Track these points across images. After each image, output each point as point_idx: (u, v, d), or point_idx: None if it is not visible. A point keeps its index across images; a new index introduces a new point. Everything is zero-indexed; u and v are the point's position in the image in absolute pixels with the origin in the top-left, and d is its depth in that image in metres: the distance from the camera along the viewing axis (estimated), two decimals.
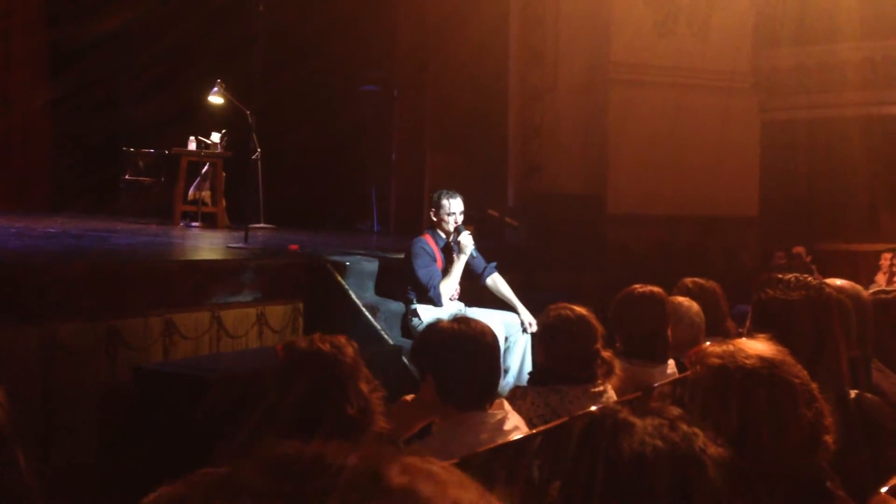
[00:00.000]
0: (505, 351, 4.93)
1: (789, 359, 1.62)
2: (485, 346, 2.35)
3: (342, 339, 1.99)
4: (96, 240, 6.50)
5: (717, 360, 1.62)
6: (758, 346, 1.64)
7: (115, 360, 4.09)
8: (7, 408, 1.50)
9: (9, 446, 1.49)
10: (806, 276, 2.23)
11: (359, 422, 1.88)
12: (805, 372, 1.61)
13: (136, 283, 4.42)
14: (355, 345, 1.99)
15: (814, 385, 1.60)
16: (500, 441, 2.25)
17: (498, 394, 2.45)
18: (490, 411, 2.34)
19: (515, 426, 2.36)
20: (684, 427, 1.21)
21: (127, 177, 9.02)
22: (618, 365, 2.85)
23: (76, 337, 3.95)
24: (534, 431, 2.34)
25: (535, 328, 4.82)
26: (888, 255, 8.06)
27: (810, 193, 9.76)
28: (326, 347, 1.94)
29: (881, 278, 7.71)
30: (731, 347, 1.63)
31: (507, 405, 2.41)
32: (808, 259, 8.80)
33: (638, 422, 1.24)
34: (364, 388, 1.89)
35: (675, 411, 1.24)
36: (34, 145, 10.21)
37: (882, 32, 9.08)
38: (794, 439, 1.54)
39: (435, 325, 2.47)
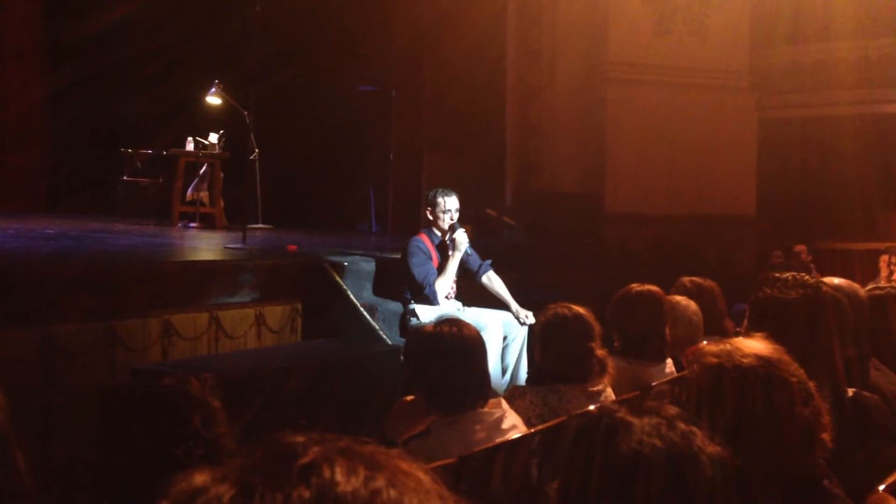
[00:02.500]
0: (504, 349, 4.94)
1: (786, 357, 1.62)
2: (467, 348, 2.35)
3: (190, 378, 2.07)
4: (94, 240, 6.49)
5: (713, 359, 1.63)
6: (755, 345, 1.64)
7: (113, 361, 4.08)
8: (7, 410, 1.50)
9: (8, 448, 1.49)
10: (803, 274, 2.23)
11: (205, 450, 1.95)
12: (802, 370, 1.61)
13: (134, 284, 4.41)
14: (205, 378, 2.07)
15: (811, 383, 1.61)
16: (498, 439, 2.25)
17: (495, 392, 2.45)
18: (486, 410, 2.34)
19: (513, 425, 2.37)
20: (682, 426, 1.22)
21: (125, 177, 9.01)
22: (611, 363, 2.85)
23: (74, 338, 3.95)
24: (532, 431, 2.35)
25: (531, 320, 4.83)
26: (885, 258, 8.07)
27: (806, 192, 9.78)
28: (171, 382, 2.03)
29: (882, 282, 7.70)
30: (727, 346, 1.64)
31: (504, 404, 2.42)
32: (809, 258, 8.79)
33: (636, 421, 1.24)
34: (198, 422, 1.96)
35: (673, 410, 1.25)
36: (31, 145, 10.21)
37: (877, 31, 9.09)
38: (791, 437, 1.55)
39: (418, 330, 2.48)
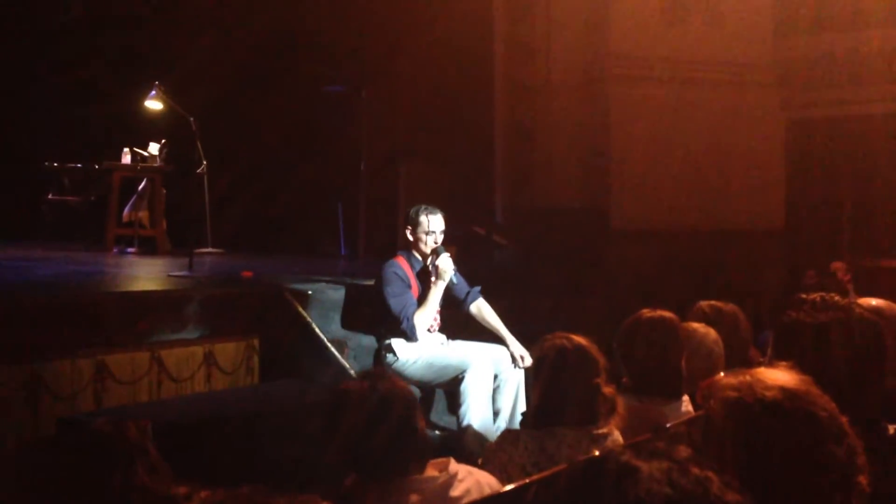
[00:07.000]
0: (494, 390, 4.94)
1: (815, 389, 1.64)
2: (389, 405, 2.36)
3: (128, 424, 2.13)
4: (13, 270, 6.46)
5: (733, 393, 1.64)
6: (779, 376, 1.66)
7: (36, 411, 4.05)
8: None
9: None
10: (833, 295, 2.26)
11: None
12: (833, 404, 1.63)
13: (61, 320, 4.39)
14: (143, 425, 2.13)
15: (844, 419, 1.63)
16: None
17: (434, 454, 2.43)
18: (424, 476, 2.32)
19: (468, 490, 2.35)
20: (696, 470, 1.22)
21: (50, 196, 8.98)
22: (621, 403, 2.87)
23: None
24: (527, 481, 2.35)
25: (528, 362, 4.83)
26: None
27: (841, 202, 9.88)
28: (107, 429, 2.09)
29: None
30: (748, 378, 1.65)
31: (454, 466, 2.39)
32: (847, 278, 8.86)
33: (643, 465, 1.25)
34: (141, 469, 2.00)
35: (685, 452, 1.26)
36: None
37: None
38: (822, 481, 1.56)
39: (339, 390, 2.50)
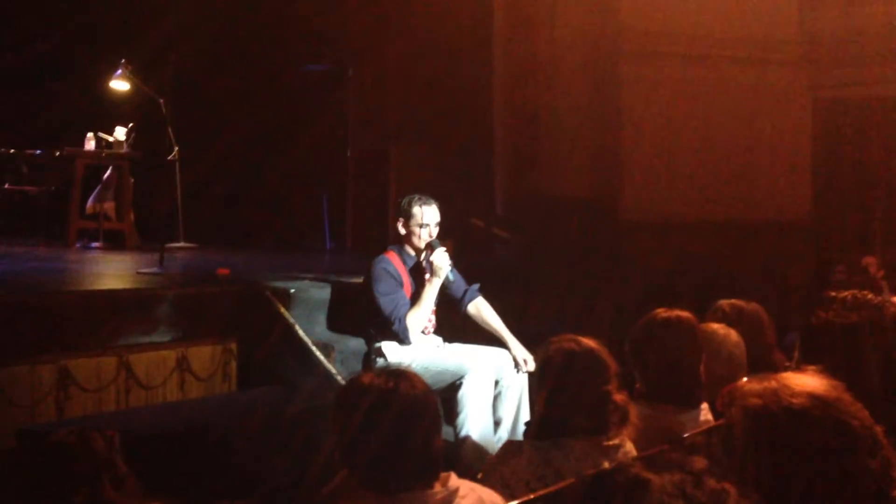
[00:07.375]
0: (495, 398, 4.95)
1: (846, 396, 1.65)
2: (410, 411, 2.31)
3: (94, 434, 2.16)
4: None
5: (757, 401, 1.65)
6: (807, 381, 1.66)
7: None
8: None
9: None
10: (865, 293, 2.27)
11: None
12: (866, 412, 1.64)
13: (19, 322, 4.39)
14: (110, 436, 2.14)
15: (878, 428, 1.63)
16: None
17: (439, 468, 2.41)
18: (430, 491, 2.31)
19: None
20: (712, 483, 1.24)
21: (6, 185, 8.97)
22: (634, 411, 2.87)
23: None
24: (531, 496, 2.36)
25: (531, 367, 4.84)
26: None
27: (874, 191, 9.89)
28: (72, 440, 2.11)
29: None
30: (773, 384, 1.66)
31: (455, 481, 2.38)
32: (880, 274, 8.88)
33: (655, 478, 1.26)
34: (108, 484, 2.05)
35: (700, 463, 1.27)
36: None
37: None
38: (854, 496, 1.57)
39: (353, 381, 2.45)
